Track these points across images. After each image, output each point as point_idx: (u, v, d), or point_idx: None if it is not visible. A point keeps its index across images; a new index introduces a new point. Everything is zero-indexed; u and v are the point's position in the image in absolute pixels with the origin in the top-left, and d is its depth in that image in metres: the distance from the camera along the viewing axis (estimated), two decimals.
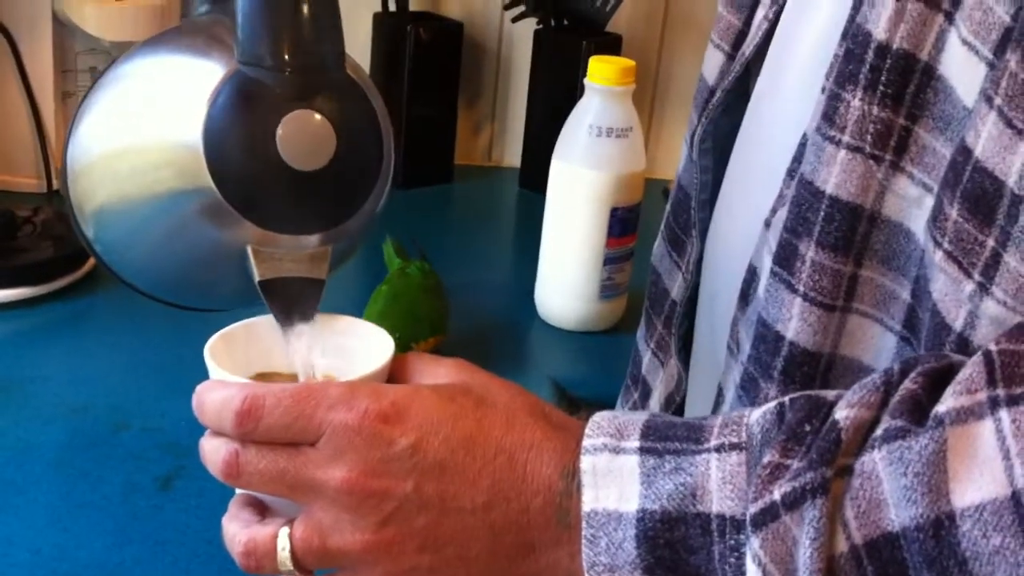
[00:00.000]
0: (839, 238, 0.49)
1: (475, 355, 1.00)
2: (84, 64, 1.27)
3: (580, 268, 1.05)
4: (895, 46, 0.46)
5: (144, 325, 1.02)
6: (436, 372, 0.53)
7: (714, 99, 0.64)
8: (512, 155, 1.54)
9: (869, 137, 0.47)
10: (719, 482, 0.44)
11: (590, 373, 1.02)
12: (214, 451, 0.50)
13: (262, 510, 0.52)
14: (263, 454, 0.49)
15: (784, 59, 0.58)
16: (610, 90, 1.01)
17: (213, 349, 0.55)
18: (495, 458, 0.48)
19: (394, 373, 0.54)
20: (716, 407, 0.59)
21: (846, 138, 0.48)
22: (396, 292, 0.99)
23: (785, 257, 0.51)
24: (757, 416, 0.45)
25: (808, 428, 0.43)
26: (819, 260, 0.49)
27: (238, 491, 0.54)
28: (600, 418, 0.48)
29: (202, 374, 0.94)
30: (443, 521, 0.47)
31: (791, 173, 0.52)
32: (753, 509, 0.42)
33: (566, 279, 1.07)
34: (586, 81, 1.02)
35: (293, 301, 0.54)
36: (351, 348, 0.56)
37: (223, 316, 0.64)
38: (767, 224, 0.53)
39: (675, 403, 0.70)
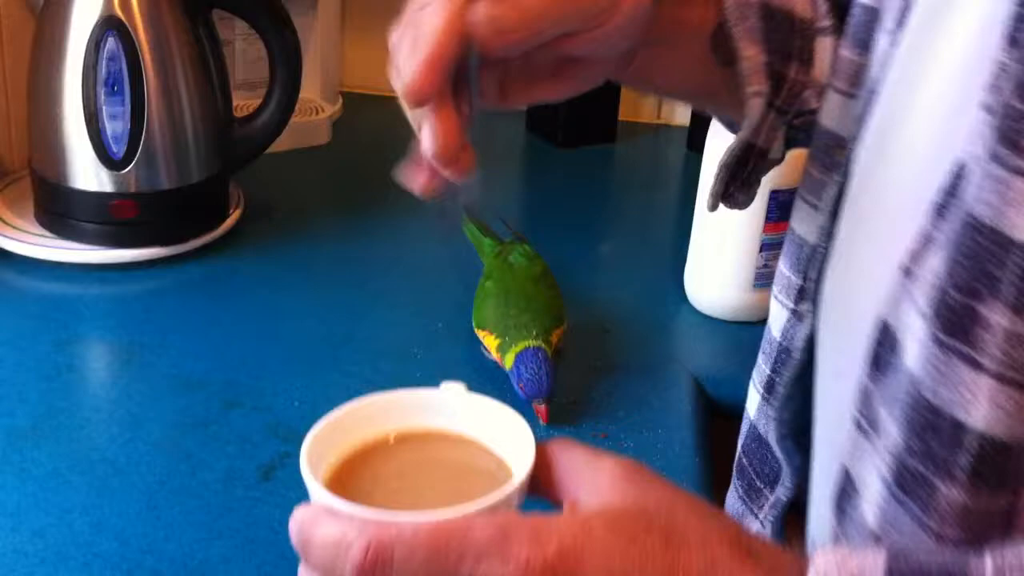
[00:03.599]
0: None
1: (613, 340, 0.94)
2: None
3: (734, 253, 0.96)
4: None
5: (274, 294, 0.99)
6: (596, 482, 0.42)
7: (848, 148, 0.54)
8: (683, 113, 1.44)
9: None
10: None
11: (736, 370, 0.92)
12: None
13: None
14: None
15: (914, 78, 0.47)
16: None
17: (311, 456, 0.44)
18: None
19: (536, 472, 0.43)
20: (844, 495, 0.48)
21: None
22: (506, 287, 0.88)
23: (957, 323, 0.40)
24: None
25: None
26: (1016, 330, 0.38)
27: None
28: (825, 564, 0.38)
29: (332, 353, 0.91)
30: None
31: (940, 210, 0.42)
32: None
33: (718, 264, 0.98)
34: None
35: None
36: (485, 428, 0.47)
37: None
38: (906, 272, 0.43)
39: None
